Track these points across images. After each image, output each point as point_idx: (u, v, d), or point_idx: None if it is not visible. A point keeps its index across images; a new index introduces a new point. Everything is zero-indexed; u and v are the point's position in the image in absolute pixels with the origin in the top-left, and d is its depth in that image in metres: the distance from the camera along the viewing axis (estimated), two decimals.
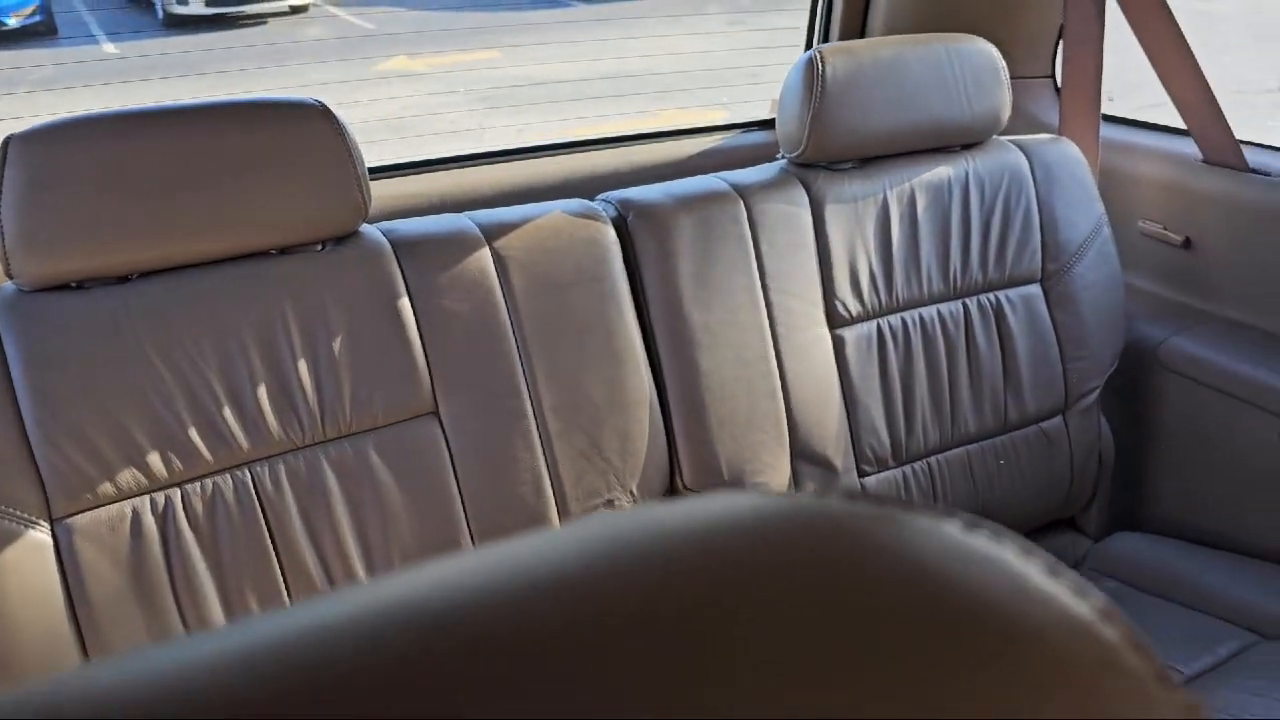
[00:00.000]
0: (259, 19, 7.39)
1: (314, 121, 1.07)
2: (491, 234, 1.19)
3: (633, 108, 5.37)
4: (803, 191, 1.36)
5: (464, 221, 1.20)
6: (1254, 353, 1.49)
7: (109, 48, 6.89)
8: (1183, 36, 1.55)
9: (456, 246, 1.17)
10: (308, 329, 1.09)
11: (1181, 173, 1.62)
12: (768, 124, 1.75)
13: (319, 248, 1.11)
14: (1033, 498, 1.50)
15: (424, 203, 1.48)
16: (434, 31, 7.44)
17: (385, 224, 1.18)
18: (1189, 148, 1.61)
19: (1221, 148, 1.57)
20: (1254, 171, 1.54)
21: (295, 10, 7.49)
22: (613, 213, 1.29)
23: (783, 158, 1.42)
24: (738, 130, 1.76)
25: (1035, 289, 1.49)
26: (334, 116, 1.08)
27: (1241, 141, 1.57)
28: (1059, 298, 1.50)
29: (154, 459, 1.02)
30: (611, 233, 1.26)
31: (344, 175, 1.08)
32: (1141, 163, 1.67)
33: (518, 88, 5.98)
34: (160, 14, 7.24)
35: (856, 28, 1.78)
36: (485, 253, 1.18)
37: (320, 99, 1.09)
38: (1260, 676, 1.24)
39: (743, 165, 1.42)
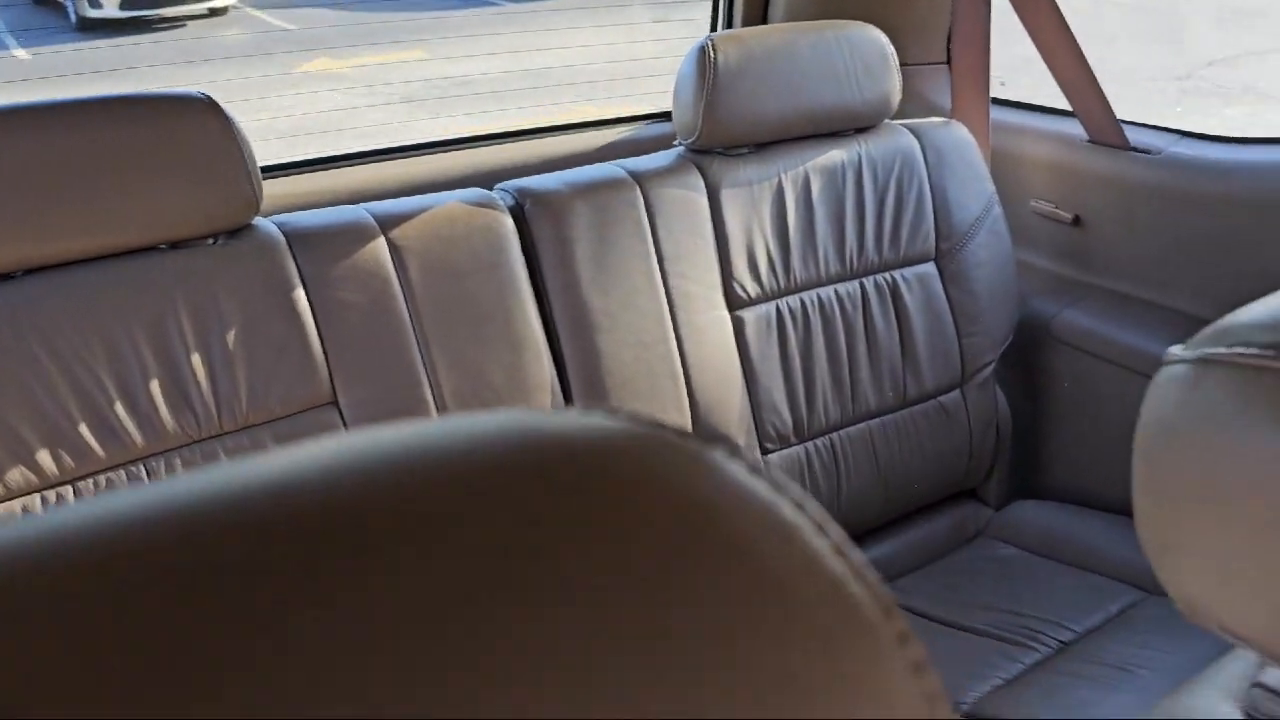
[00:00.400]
0: (177, 21, 7.26)
1: (199, 115, 1.07)
2: (387, 224, 1.20)
3: (566, 99, 5.37)
4: (699, 177, 1.39)
5: (359, 212, 1.21)
6: (1141, 324, 1.55)
7: (20, 53, 6.72)
8: (1065, 22, 1.61)
9: (351, 237, 1.17)
10: (201, 323, 1.09)
11: (1069, 153, 1.67)
12: (670, 115, 1.77)
13: (211, 241, 1.11)
14: (934, 470, 1.54)
15: (329, 199, 1.48)
16: (358, 32, 7.37)
17: (279, 216, 1.18)
18: (1076, 129, 1.67)
19: (1104, 128, 1.63)
20: (1135, 150, 1.60)
21: (214, 12, 7.37)
22: (510, 201, 1.31)
23: (679, 144, 1.44)
24: (645, 121, 1.78)
25: (930, 268, 1.54)
26: (220, 109, 1.08)
27: (1122, 121, 1.63)
28: (953, 275, 1.54)
29: (44, 456, 1.02)
30: (509, 221, 1.27)
31: (232, 168, 1.08)
32: (1032, 144, 1.73)
33: (443, 86, 5.96)
34: (73, 18, 7.07)
35: (758, 17, 1.82)
36: (381, 243, 1.19)
37: (207, 92, 1.09)
38: (1146, 630, 1.30)
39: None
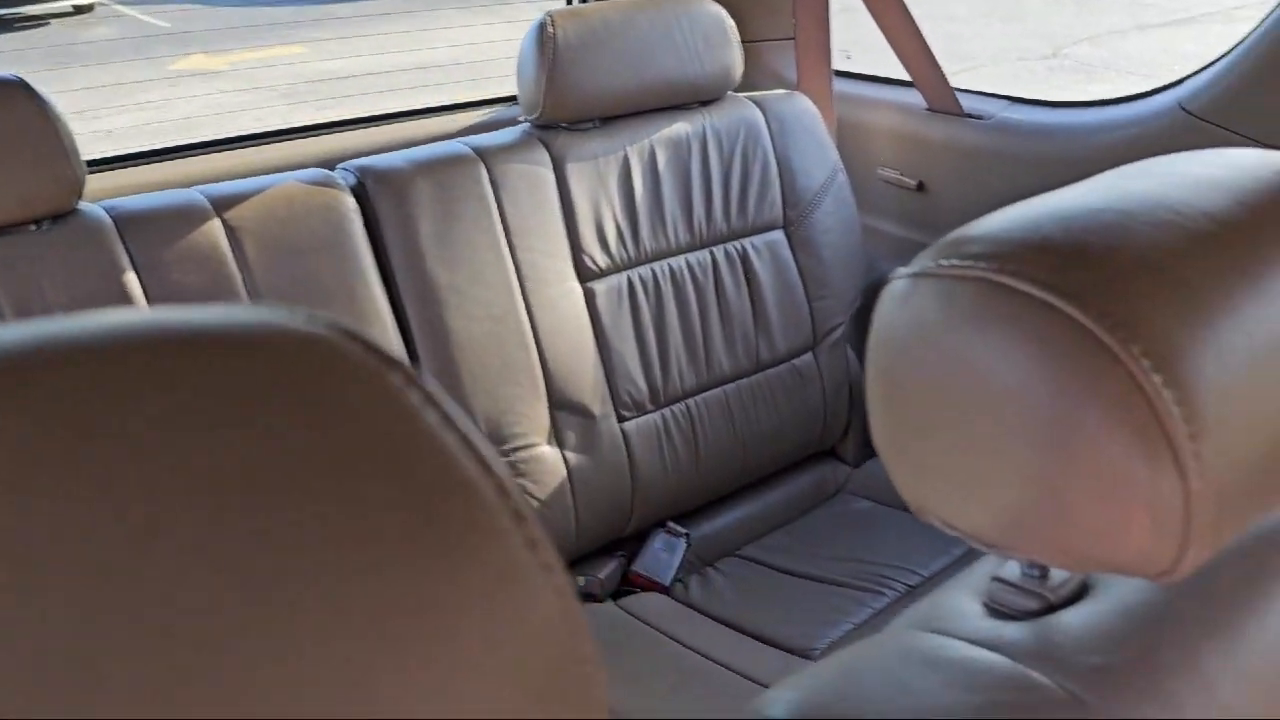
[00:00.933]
0: (39, 20, 6.99)
1: (11, 98, 1.05)
2: (221, 205, 1.19)
3: (446, 96, 5.32)
4: (544, 152, 1.41)
5: (191, 194, 1.20)
6: None
7: None
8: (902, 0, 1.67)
9: (183, 220, 1.16)
10: (23, 311, 1.07)
11: (911, 121, 1.74)
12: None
13: (33, 228, 1.09)
14: (791, 431, 1.59)
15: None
16: (235, 28, 7.19)
17: (107, 201, 1.16)
18: (916, 98, 1.74)
19: (941, 96, 1.70)
20: (970, 116, 1.67)
21: (80, 10, 7.12)
22: (352, 180, 1.31)
23: (524, 121, 1.46)
24: (499, 105, 1.79)
25: (778, 235, 1.58)
26: (34, 92, 1.06)
27: (956, 89, 1.70)
28: (801, 242, 1.59)
29: None
30: (350, 200, 1.27)
31: (51, 151, 1.06)
32: (876, 114, 1.79)
33: (323, 82, 5.86)
34: None
35: None
36: (215, 224, 1.18)
37: (18, 75, 1.07)
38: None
39: None
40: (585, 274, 1.42)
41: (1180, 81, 1.47)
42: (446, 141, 1.40)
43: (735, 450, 1.53)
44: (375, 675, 0.24)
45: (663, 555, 1.46)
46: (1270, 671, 0.49)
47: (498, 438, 1.32)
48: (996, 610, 0.51)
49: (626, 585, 1.44)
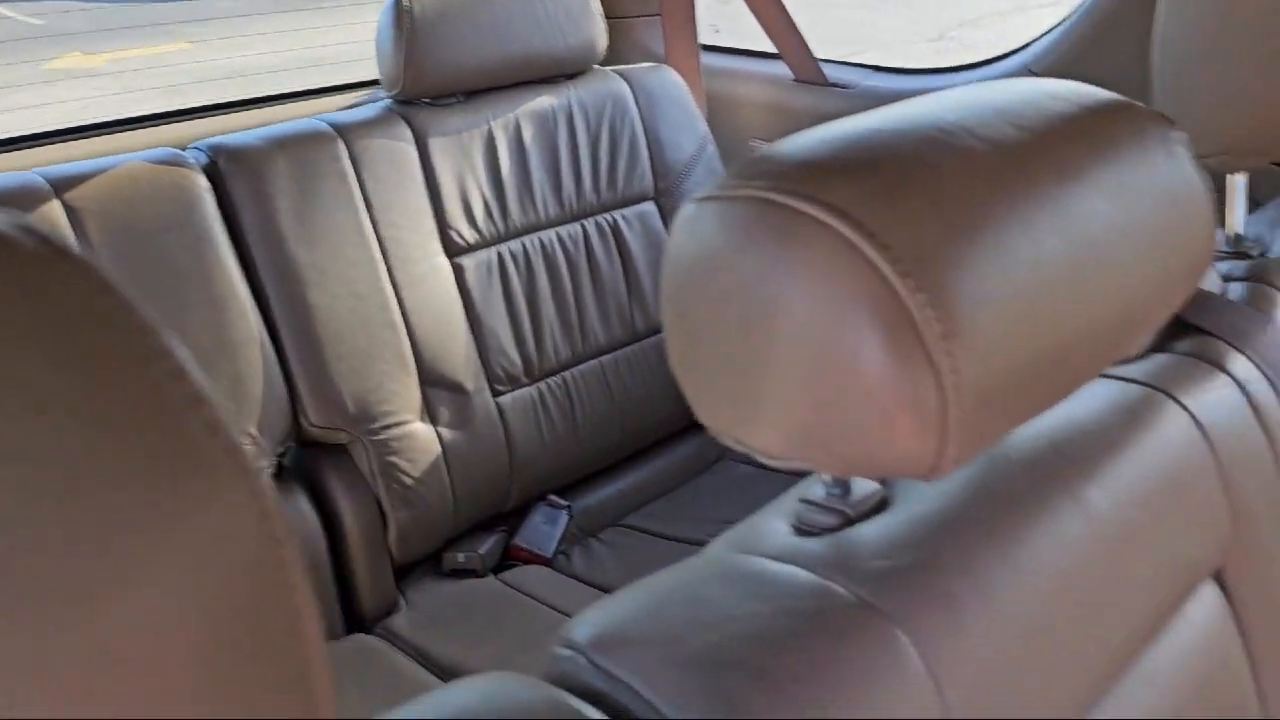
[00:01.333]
0: None
1: None
2: (61, 187, 1.15)
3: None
4: (406, 127, 1.40)
5: (29, 176, 1.16)
6: None
7: None
8: None
9: (19, 202, 1.12)
10: None
11: (779, 93, 1.76)
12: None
13: None
14: (669, 400, 1.60)
15: None
16: (116, 26, 6.95)
17: None
18: (783, 70, 1.76)
19: (807, 67, 1.73)
20: (834, 85, 1.70)
21: None
22: (204, 160, 1.28)
23: (385, 96, 1.44)
24: (364, 90, 1.76)
25: (650, 206, 1.60)
26: None
27: (821, 60, 1.73)
28: (672, 213, 1.60)
29: None
30: (202, 179, 1.25)
31: None
32: (744, 86, 1.81)
33: (208, 80, 5.70)
34: None
35: None
36: (54, 206, 1.14)
37: None
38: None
39: None
40: (453, 249, 1.42)
41: (1027, 46, 1.53)
42: (303, 119, 1.37)
43: (613, 421, 1.54)
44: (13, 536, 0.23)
45: (544, 528, 1.46)
46: (1045, 570, 0.51)
47: (368, 416, 1.31)
48: (802, 529, 0.53)
49: (509, 559, 1.44)
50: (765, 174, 0.46)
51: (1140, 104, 0.56)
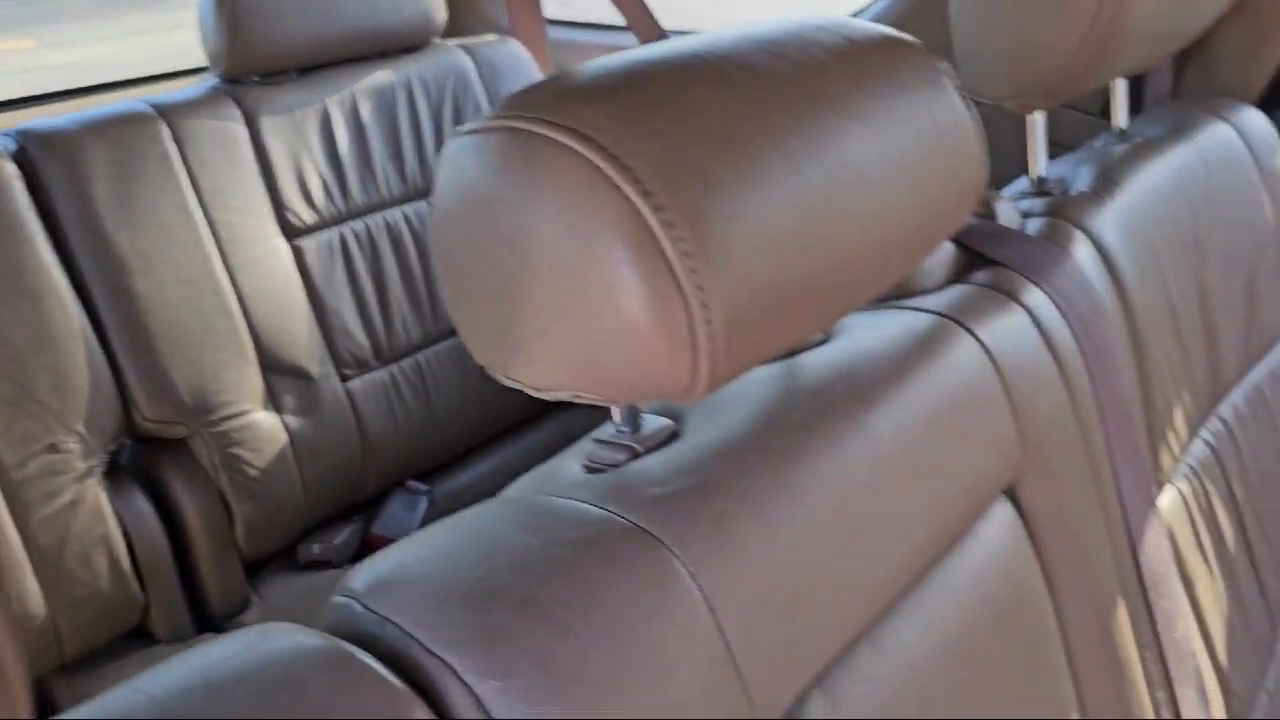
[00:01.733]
0: None
1: None
2: None
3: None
4: (234, 107, 1.34)
5: None
6: None
7: None
8: None
9: None
10: None
11: None
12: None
13: None
14: None
15: None
16: None
17: None
18: (631, 41, 1.76)
19: (651, 36, 1.73)
20: None
21: None
22: (12, 146, 1.21)
23: (212, 75, 1.39)
24: (198, 76, 1.69)
25: None
26: None
27: (670, 31, 1.73)
28: None
29: None
30: (9, 165, 1.18)
31: None
32: (592, 58, 1.80)
33: (53, 76, 5.45)
34: None
35: None
36: None
37: None
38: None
39: None
40: (291, 231, 1.37)
41: (860, 12, 1.55)
42: (123, 101, 1.31)
43: (471, 402, 1.52)
44: None
45: (403, 515, 1.43)
46: (826, 494, 0.51)
47: (205, 407, 1.26)
48: (592, 467, 0.52)
49: (367, 548, 1.40)
50: (517, 104, 0.45)
51: (908, 38, 0.56)
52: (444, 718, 0.40)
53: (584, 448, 0.55)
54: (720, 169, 0.44)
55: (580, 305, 0.43)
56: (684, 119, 0.45)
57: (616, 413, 0.54)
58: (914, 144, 0.52)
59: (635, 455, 0.52)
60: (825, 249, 0.47)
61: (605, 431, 0.55)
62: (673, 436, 0.54)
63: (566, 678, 0.40)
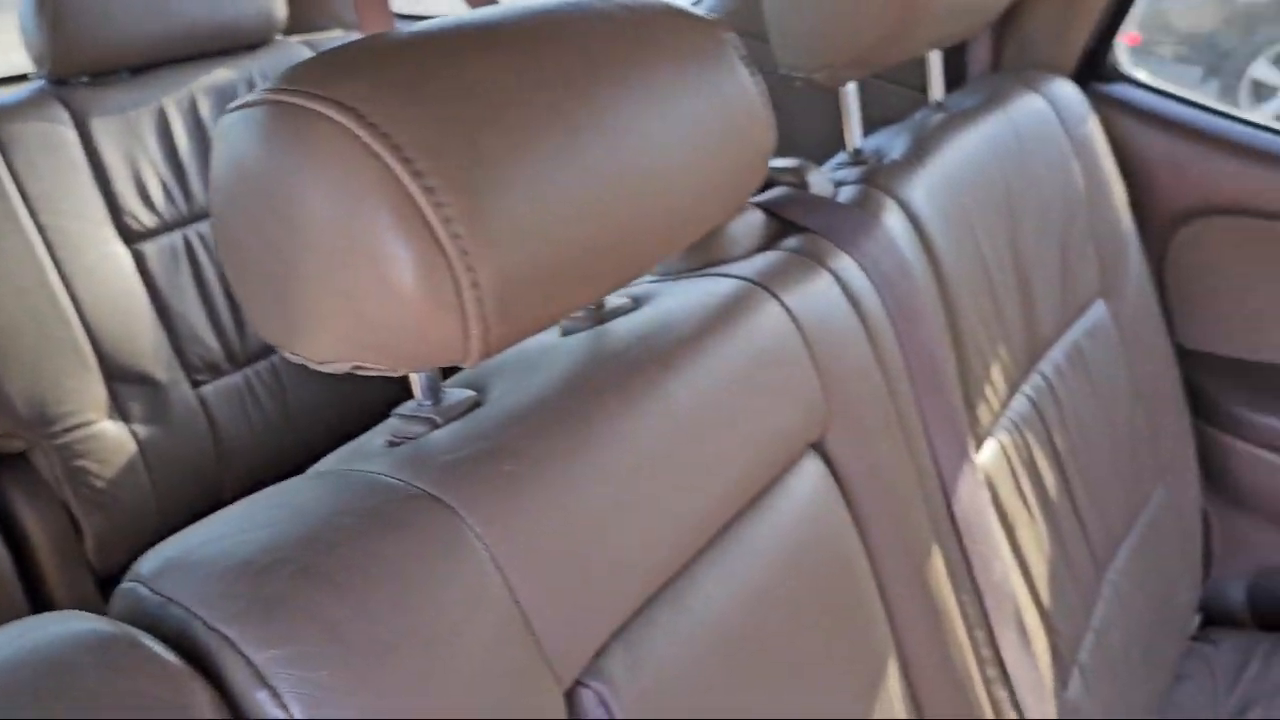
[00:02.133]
0: None
1: None
2: None
3: None
4: (62, 109, 1.30)
5: None
6: None
7: None
8: None
9: None
10: None
11: None
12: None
13: None
14: (390, 379, 1.57)
15: None
16: None
17: None
18: None
19: None
20: None
21: None
22: None
23: (37, 77, 1.34)
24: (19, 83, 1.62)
25: None
26: None
27: None
28: None
29: None
30: None
31: None
32: None
33: None
34: None
35: None
36: None
37: None
38: None
39: None
40: (131, 236, 1.33)
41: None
42: None
43: (330, 404, 1.49)
44: None
45: None
46: (620, 457, 0.52)
47: (45, 418, 1.21)
48: (394, 441, 0.53)
49: None
50: (286, 78, 0.45)
51: (690, 10, 0.58)
52: (223, 691, 0.40)
53: (390, 423, 0.56)
54: (491, 137, 0.45)
55: (351, 276, 0.43)
56: (455, 88, 0.45)
57: (417, 387, 0.54)
58: (697, 112, 0.54)
59: (435, 426, 0.53)
60: (606, 216, 0.48)
61: (408, 407, 0.55)
62: (474, 406, 0.54)
63: (347, 641, 0.41)
